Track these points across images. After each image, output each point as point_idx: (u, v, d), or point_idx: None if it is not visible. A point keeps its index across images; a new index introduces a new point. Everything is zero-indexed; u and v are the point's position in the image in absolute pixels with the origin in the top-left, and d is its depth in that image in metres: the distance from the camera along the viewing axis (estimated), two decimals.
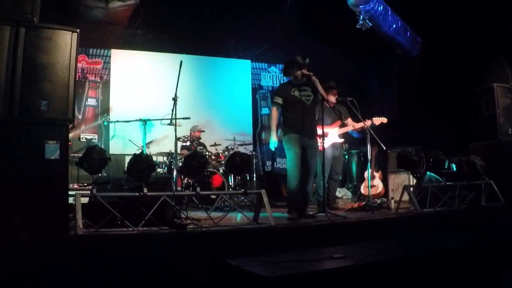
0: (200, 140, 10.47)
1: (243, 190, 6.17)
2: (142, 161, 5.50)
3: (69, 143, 9.76)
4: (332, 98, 8.19)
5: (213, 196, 7.95)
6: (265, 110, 13.43)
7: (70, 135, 9.43)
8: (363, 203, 8.12)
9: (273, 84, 13.67)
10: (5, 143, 4.64)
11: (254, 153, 10.30)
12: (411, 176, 8.42)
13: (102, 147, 7.43)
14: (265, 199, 5.93)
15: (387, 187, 9.56)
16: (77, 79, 5.21)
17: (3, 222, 4.47)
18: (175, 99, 7.20)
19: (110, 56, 11.91)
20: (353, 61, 12.58)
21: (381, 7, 9.45)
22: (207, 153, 9.51)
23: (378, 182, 9.55)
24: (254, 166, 9.79)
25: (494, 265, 5.39)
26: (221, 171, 9.08)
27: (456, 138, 9.43)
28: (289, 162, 6.91)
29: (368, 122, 7.96)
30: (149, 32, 11.81)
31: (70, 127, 5.28)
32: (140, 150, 8.77)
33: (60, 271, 4.31)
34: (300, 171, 6.79)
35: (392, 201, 8.23)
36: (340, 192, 11.16)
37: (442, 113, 10.47)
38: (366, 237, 5.77)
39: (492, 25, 9.45)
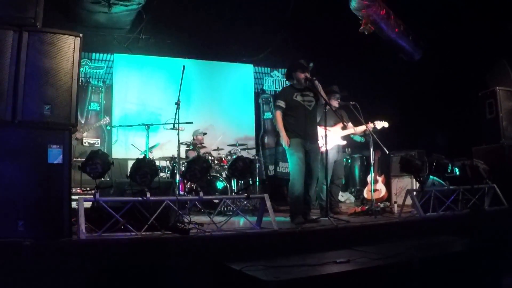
0: (203, 144, 10.46)
1: (246, 194, 6.16)
2: (145, 166, 5.50)
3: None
4: (335, 103, 8.20)
5: (216, 201, 7.93)
6: (267, 115, 13.44)
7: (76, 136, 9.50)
8: (366, 207, 8.10)
9: (275, 88, 13.69)
10: (8, 147, 4.64)
11: (256, 157, 10.29)
12: (414, 180, 8.41)
13: (105, 151, 7.42)
14: (268, 203, 5.92)
15: (390, 191, 9.55)
16: (80, 83, 5.19)
17: (6, 226, 4.47)
18: (177, 104, 7.21)
19: (113, 61, 11.93)
20: (355, 65, 12.56)
21: (383, 11, 9.45)
22: (209, 157, 9.50)
23: (381, 186, 9.53)
24: (257, 171, 9.78)
25: (498, 269, 5.37)
26: (224, 175, 9.07)
27: (459, 142, 9.40)
28: (292, 167, 6.91)
29: (370, 126, 7.95)
30: (152, 37, 11.84)
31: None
32: (143, 155, 8.76)
33: (63, 275, 4.31)
34: (303, 176, 6.79)
35: (395, 205, 8.22)
36: (343, 196, 11.15)
37: (445, 117, 10.46)
38: (369, 241, 5.75)
39: (494, 28, 9.44)
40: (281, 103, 7.06)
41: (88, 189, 8.51)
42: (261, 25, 11.60)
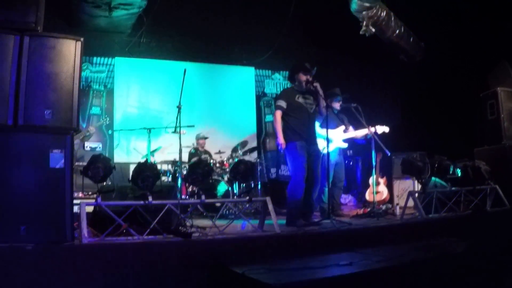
0: (205, 148, 10.48)
1: (248, 197, 6.16)
2: (146, 170, 5.50)
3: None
4: (337, 105, 8.20)
5: (218, 204, 7.94)
6: (269, 117, 13.44)
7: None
8: (368, 209, 8.10)
9: (277, 91, 13.70)
10: (9, 152, 4.64)
11: (258, 160, 10.30)
12: (416, 181, 8.41)
13: (107, 155, 7.43)
14: (270, 206, 5.92)
15: (392, 193, 9.55)
16: (81, 87, 5.20)
17: (8, 231, 4.47)
18: (179, 107, 7.21)
19: (114, 65, 11.95)
20: (356, 67, 12.56)
21: (384, 13, 9.45)
22: (211, 161, 9.51)
23: (383, 188, 9.53)
24: (259, 174, 9.78)
25: (500, 270, 5.36)
26: (225, 178, 9.07)
27: (461, 143, 9.39)
28: (294, 171, 6.85)
29: (372, 129, 7.95)
30: (153, 40, 11.86)
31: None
32: (145, 159, 8.77)
33: (66, 280, 4.31)
34: (305, 181, 6.78)
35: (397, 207, 8.21)
36: (345, 199, 11.14)
37: (447, 118, 10.46)
38: (371, 243, 5.74)
39: (495, 28, 9.44)
40: (282, 103, 7.00)
41: (90, 193, 8.52)
42: (262, 28, 11.60)
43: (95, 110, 11.70)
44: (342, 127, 8.21)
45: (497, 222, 7.13)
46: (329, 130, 7.11)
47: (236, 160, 8.22)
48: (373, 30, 9.36)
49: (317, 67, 7.16)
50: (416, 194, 7.13)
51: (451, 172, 7.57)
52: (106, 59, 11.93)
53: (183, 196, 8.08)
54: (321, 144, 7.72)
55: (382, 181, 9.65)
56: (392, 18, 9.80)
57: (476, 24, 9.66)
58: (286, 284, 3.82)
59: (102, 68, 11.92)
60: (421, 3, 9.99)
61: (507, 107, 8.57)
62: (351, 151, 10.49)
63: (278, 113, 6.98)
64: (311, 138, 7.03)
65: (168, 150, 10.62)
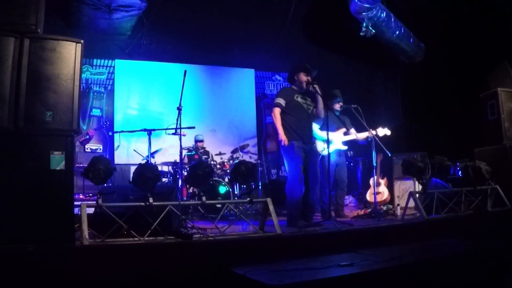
0: (206, 149, 10.49)
1: (248, 199, 6.16)
2: (147, 171, 5.50)
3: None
4: (337, 106, 8.20)
5: (219, 205, 7.94)
6: (269, 119, 13.42)
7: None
8: (369, 210, 8.11)
9: (277, 92, 13.68)
10: (10, 154, 4.64)
11: (259, 161, 10.30)
12: (416, 182, 8.40)
13: (107, 157, 7.43)
14: (271, 207, 5.91)
15: (392, 193, 9.54)
16: (82, 89, 5.20)
17: (9, 233, 4.47)
18: (179, 109, 7.21)
19: (114, 67, 11.97)
20: (357, 68, 12.57)
21: (384, 14, 9.46)
22: (212, 162, 9.51)
23: (383, 189, 9.53)
24: (259, 175, 9.79)
25: (501, 270, 5.36)
26: (226, 180, 9.07)
27: (461, 144, 9.38)
28: (291, 171, 6.86)
29: (373, 132, 7.95)
30: (153, 42, 11.85)
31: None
32: (145, 160, 8.77)
33: (67, 281, 4.31)
34: (303, 181, 6.78)
35: (398, 208, 8.21)
36: (346, 200, 11.13)
37: (447, 119, 10.45)
38: (372, 244, 5.74)
39: (495, 29, 9.44)
40: (281, 101, 7.00)
41: (90, 195, 8.52)
42: (262, 29, 11.61)
43: (96, 112, 11.71)
44: (343, 130, 8.22)
45: (498, 222, 7.12)
46: (330, 133, 7.12)
47: (236, 161, 8.22)
48: (373, 31, 9.37)
49: (317, 70, 7.18)
50: (417, 195, 7.12)
51: (451, 173, 7.57)
52: (106, 61, 11.96)
53: (183, 198, 8.07)
54: (320, 146, 7.74)
55: (382, 181, 9.65)
56: (392, 19, 9.81)
57: (476, 24, 9.66)
58: (287, 285, 3.82)
59: (102, 70, 11.94)
60: (421, 4, 10.00)
61: (507, 107, 8.56)
62: (351, 152, 10.47)
63: (277, 110, 6.98)
64: (308, 137, 7.05)
65: (168, 152, 10.63)
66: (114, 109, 11.87)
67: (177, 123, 7.21)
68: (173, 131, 7.93)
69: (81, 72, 5.06)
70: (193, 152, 9.89)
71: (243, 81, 13.47)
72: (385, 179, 9.70)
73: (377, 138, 7.78)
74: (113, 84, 11.95)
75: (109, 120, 11.43)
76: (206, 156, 9.97)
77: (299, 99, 7.03)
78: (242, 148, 10.15)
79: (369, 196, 9.65)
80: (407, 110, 11.68)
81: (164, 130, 9.19)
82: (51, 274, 4.28)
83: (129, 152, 11.41)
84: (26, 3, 4.92)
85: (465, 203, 7.42)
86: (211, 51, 12.42)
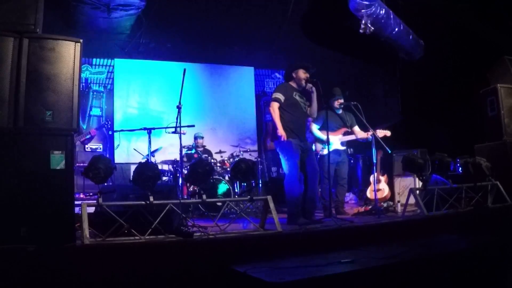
0: (206, 147, 10.49)
1: (249, 196, 6.16)
2: (147, 170, 5.51)
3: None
4: (336, 104, 8.20)
5: (219, 203, 7.94)
6: (269, 117, 13.42)
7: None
8: (369, 207, 8.11)
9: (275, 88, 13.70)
10: (10, 153, 4.65)
11: (259, 159, 10.30)
12: (417, 179, 8.40)
13: (107, 156, 7.43)
14: (271, 205, 5.91)
15: (393, 190, 9.54)
16: (81, 89, 5.20)
17: (10, 232, 4.48)
18: (179, 107, 7.20)
19: (113, 66, 11.98)
20: (356, 65, 12.57)
21: (383, 11, 9.45)
22: (212, 160, 9.51)
23: (384, 186, 9.52)
24: (260, 173, 9.79)
25: (502, 266, 5.37)
26: (226, 178, 9.07)
27: (461, 140, 9.38)
28: (289, 170, 6.83)
29: (372, 132, 7.95)
30: (152, 41, 11.85)
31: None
32: (145, 159, 8.77)
33: (67, 281, 4.31)
34: (300, 178, 6.79)
35: (399, 205, 8.21)
36: (346, 197, 11.14)
37: (447, 115, 10.45)
38: (373, 241, 5.75)
39: (495, 25, 9.44)
40: (280, 96, 6.95)
41: (91, 194, 8.52)
42: (262, 27, 11.60)
43: (95, 111, 11.72)
44: (343, 130, 8.21)
45: (498, 219, 7.13)
46: (329, 133, 7.14)
47: (236, 159, 8.22)
48: (372, 28, 9.36)
49: (313, 65, 7.18)
50: (417, 191, 7.13)
51: (452, 169, 7.57)
52: (105, 60, 11.97)
53: (184, 196, 8.07)
54: (318, 146, 7.79)
55: (383, 178, 9.64)
56: (391, 16, 9.80)
57: (475, 21, 9.66)
58: (288, 282, 3.82)
59: (102, 69, 11.94)
60: (420, 0, 10.00)
61: (507, 103, 8.55)
62: (351, 150, 10.47)
63: (276, 105, 6.92)
64: (304, 136, 7.10)
65: (168, 150, 10.63)
66: (114, 108, 11.87)
67: (177, 122, 7.20)
68: (173, 129, 7.92)
69: (80, 71, 5.07)
70: (193, 151, 9.88)
71: (242, 79, 13.47)
72: (385, 176, 9.70)
73: (377, 135, 7.78)
74: (112, 83, 11.96)
75: (109, 119, 11.43)
76: (206, 155, 9.96)
77: (297, 97, 7.02)
78: (243, 148, 10.17)
79: (369, 193, 9.65)
80: (407, 107, 11.69)
81: (164, 129, 9.19)
82: (52, 273, 4.29)
83: (129, 151, 11.42)
84: (25, 3, 4.92)
85: (466, 200, 7.42)
86: (211, 49, 12.41)
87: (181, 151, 7.37)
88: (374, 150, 7.91)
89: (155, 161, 8.79)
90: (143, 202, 5.27)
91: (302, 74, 7.05)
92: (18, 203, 4.56)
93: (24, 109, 4.72)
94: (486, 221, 6.96)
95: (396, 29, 10.04)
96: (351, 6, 9.11)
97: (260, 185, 9.79)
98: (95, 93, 11.78)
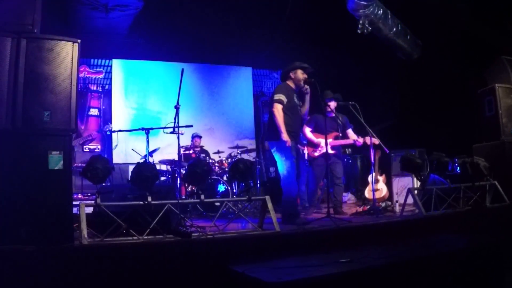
0: (203, 147, 10.49)
1: (247, 197, 6.17)
2: (145, 170, 5.51)
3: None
4: (327, 108, 8.20)
5: (217, 204, 7.94)
6: (267, 117, 13.45)
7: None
8: (368, 207, 8.10)
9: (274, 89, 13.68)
10: (8, 154, 4.65)
11: (257, 159, 10.30)
12: (415, 178, 8.42)
13: (105, 156, 7.42)
14: (270, 205, 5.92)
15: (391, 190, 9.54)
16: (79, 89, 5.20)
17: (8, 233, 4.48)
18: (177, 108, 7.19)
19: (111, 66, 11.96)
20: (354, 65, 12.56)
21: (381, 11, 9.45)
22: (210, 160, 9.51)
23: (382, 186, 9.52)
24: (258, 173, 9.79)
25: (500, 266, 5.37)
26: (224, 178, 9.07)
27: (459, 140, 9.39)
28: (288, 170, 6.83)
29: (361, 139, 8.01)
30: (150, 41, 11.84)
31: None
32: (143, 159, 8.77)
33: (66, 281, 4.31)
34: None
35: (397, 204, 8.21)
36: (344, 197, 11.14)
37: (445, 115, 10.45)
38: (371, 241, 5.75)
39: (493, 25, 9.44)
40: (283, 98, 6.89)
41: (89, 194, 8.51)
42: (259, 27, 11.59)
43: (93, 111, 11.71)
44: (334, 134, 8.22)
45: (496, 218, 7.14)
46: (319, 136, 7.16)
47: (234, 159, 8.22)
48: (370, 28, 9.37)
49: (310, 65, 7.19)
50: (416, 191, 7.14)
51: (450, 169, 7.58)
52: (103, 60, 11.95)
53: (182, 196, 8.07)
54: (309, 149, 7.86)
55: (381, 178, 9.64)
56: (389, 16, 9.81)
57: (473, 20, 9.67)
58: (286, 282, 3.82)
59: (100, 69, 11.93)
60: (418, 0, 9.99)
61: (505, 103, 8.56)
62: (350, 149, 10.48)
63: (280, 107, 6.85)
64: (299, 138, 7.22)
65: (166, 151, 10.62)
66: (112, 109, 11.86)
67: (175, 122, 7.19)
68: (171, 129, 7.91)
69: (78, 71, 5.07)
70: (191, 151, 9.88)
71: (240, 79, 13.46)
72: (384, 175, 9.70)
73: (374, 135, 7.78)
74: (110, 84, 11.95)
75: (107, 120, 11.42)
76: (204, 155, 9.96)
77: (296, 100, 7.03)
78: (241, 148, 10.17)
79: (367, 193, 9.65)
80: (405, 107, 11.69)
81: (162, 129, 9.18)
82: (50, 273, 4.29)
83: (127, 151, 11.39)
84: (23, 3, 4.92)
85: (464, 199, 7.44)
86: (209, 50, 12.40)
87: (179, 151, 7.36)
88: (372, 150, 7.91)
89: (153, 161, 8.79)
90: (141, 202, 5.28)
91: (300, 74, 7.05)
92: (17, 204, 4.56)
93: (22, 109, 4.72)
94: (484, 220, 6.97)
95: (394, 29, 10.05)
96: (349, 6, 9.12)
97: (258, 185, 9.79)
98: (93, 93, 11.77)
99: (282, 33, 11.62)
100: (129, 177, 5.57)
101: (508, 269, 5.41)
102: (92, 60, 11.85)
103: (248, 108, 13.41)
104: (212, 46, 12.27)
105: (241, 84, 13.41)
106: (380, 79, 12.54)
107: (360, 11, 9.09)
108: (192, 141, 10.39)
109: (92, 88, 11.79)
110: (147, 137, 8.38)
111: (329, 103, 8.02)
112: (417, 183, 8.07)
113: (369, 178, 9.09)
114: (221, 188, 8.89)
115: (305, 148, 8.26)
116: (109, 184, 8.37)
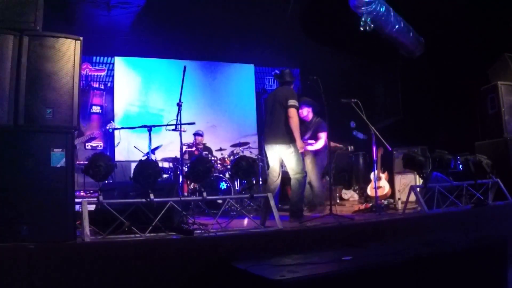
0: (206, 145, 10.48)
1: (249, 194, 6.16)
2: (148, 167, 5.51)
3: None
4: (301, 115, 8.25)
5: (220, 201, 7.93)
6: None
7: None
8: (370, 204, 8.10)
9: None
10: (11, 151, 4.65)
11: (259, 156, 10.30)
12: (417, 176, 8.41)
13: (108, 154, 7.42)
14: (272, 202, 5.92)
15: (393, 188, 9.53)
16: (81, 86, 5.20)
17: (10, 230, 4.48)
18: (179, 105, 7.19)
19: (113, 63, 11.97)
20: (356, 62, 12.56)
21: (383, 8, 9.44)
22: (212, 158, 9.51)
23: (384, 183, 9.52)
24: (260, 170, 9.79)
25: (502, 264, 5.36)
26: (227, 175, 9.07)
27: (462, 137, 9.38)
28: (303, 167, 7.07)
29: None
30: (152, 39, 11.83)
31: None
32: (146, 157, 8.77)
33: (68, 279, 4.31)
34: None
35: (399, 202, 8.22)
36: (347, 194, 11.14)
37: (447, 113, 10.45)
38: (373, 238, 5.75)
39: (495, 22, 9.42)
40: (297, 104, 7.12)
41: (91, 192, 8.52)
42: (262, 24, 11.58)
43: (96, 109, 11.72)
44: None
45: (499, 216, 7.13)
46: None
47: (237, 156, 8.22)
48: (372, 25, 9.35)
49: (312, 61, 7.29)
50: (418, 189, 7.13)
51: (452, 166, 7.56)
52: (105, 58, 11.95)
53: (184, 194, 8.07)
54: None
55: (383, 176, 9.64)
56: (392, 13, 9.79)
57: (476, 18, 9.64)
58: (289, 279, 3.82)
59: (102, 67, 11.93)
60: None
61: (507, 101, 8.55)
62: (352, 147, 10.46)
63: (296, 113, 7.07)
64: None
65: (169, 148, 10.62)
66: (114, 106, 11.86)
67: (177, 119, 7.20)
68: (173, 127, 7.90)
69: (80, 69, 5.07)
70: (193, 148, 9.88)
71: (243, 77, 13.47)
72: (386, 173, 9.70)
73: (377, 132, 7.77)
74: (112, 81, 11.95)
75: (110, 118, 11.42)
76: (206, 152, 9.96)
77: None
78: (243, 145, 10.17)
79: (370, 191, 9.65)
80: (407, 104, 11.68)
81: (164, 126, 9.18)
82: (53, 271, 4.29)
83: (129, 149, 11.40)
84: (25, 1, 4.91)
85: (466, 197, 7.43)
86: (211, 47, 12.40)
87: (181, 148, 7.36)
88: (374, 148, 7.91)
89: (155, 159, 8.78)
90: (144, 200, 5.28)
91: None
92: (19, 201, 4.56)
93: (24, 107, 4.72)
94: (487, 218, 6.97)
95: (397, 26, 10.03)
96: (351, 3, 9.11)
97: (261, 182, 9.78)
98: (95, 91, 11.77)
99: (285, 30, 11.60)
100: (132, 174, 5.56)
101: (510, 267, 5.40)
102: (94, 57, 11.86)
103: (250, 106, 13.40)
104: (215, 43, 12.28)
105: (243, 81, 13.41)
106: (382, 77, 12.53)
107: (362, 8, 9.08)
108: (194, 138, 10.39)
109: (94, 85, 11.80)
110: (150, 135, 8.38)
111: (302, 109, 8.28)
112: (419, 181, 8.05)
113: (372, 176, 9.08)
114: (223, 185, 8.89)
115: None
116: (111, 181, 8.37)
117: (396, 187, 9.49)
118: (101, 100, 11.82)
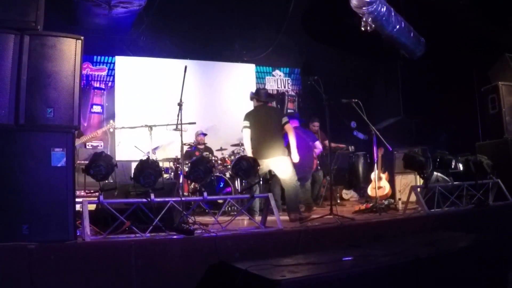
0: (207, 145, 10.48)
1: (250, 194, 6.16)
2: (148, 167, 5.50)
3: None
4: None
5: (220, 201, 7.93)
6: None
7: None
8: (371, 204, 8.09)
9: (277, 87, 13.66)
10: (11, 151, 4.64)
11: None
12: (418, 176, 8.40)
13: (108, 153, 7.41)
14: (273, 202, 5.92)
15: (394, 188, 9.53)
16: (82, 86, 5.19)
17: (11, 230, 4.48)
18: (180, 105, 7.18)
19: (114, 63, 11.95)
20: (357, 62, 12.56)
21: (384, 8, 9.44)
22: (213, 158, 9.50)
23: (385, 184, 9.51)
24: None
25: (503, 264, 5.36)
26: (227, 175, 9.06)
27: (462, 138, 9.39)
28: (295, 176, 7.32)
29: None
30: (153, 38, 11.83)
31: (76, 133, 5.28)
32: (146, 156, 8.76)
33: (69, 278, 4.31)
34: None
35: (400, 202, 8.21)
36: (347, 194, 11.14)
37: (448, 113, 10.45)
38: (374, 238, 5.75)
39: (496, 23, 9.43)
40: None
41: (92, 191, 8.51)
42: (262, 24, 11.60)
43: (96, 108, 11.71)
44: None
45: (499, 216, 7.13)
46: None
47: (237, 156, 8.22)
48: (373, 25, 9.36)
49: (312, 62, 7.32)
50: (418, 189, 7.13)
51: (453, 167, 7.56)
52: (106, 57, 11.93)
53: (185, 193, 8.07)
54: None
55: (384, 176, 9.64)
56: (392, 14, 9.79)
57: (476, 18, 9.65)
58: (289, 280, 3.81)
59: (103, 66, 11.92)
60: None
61: (508, 101, 8.55)
62: (353, 147, 10.46)
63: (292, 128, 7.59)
64: None
65: (169, 148, 10.62)
66: (115, 106, 11.85)
67: (178, 119, 7.19)
68: (174, 127, 7.90)
69: (81, 68, 5.06)
70: (194, 148, 9.88)
71: (243, 76, 13.43)
72: (387, 173, 9.69)
73: (378, 133, 7.77)
74: (113, 81, 11.93)
75: (110, 117, 11.41)
76: (207, 152, 9.95)
77: None
78: (243, 145, 10.15)
79: (370, 191, 9.64)
80: (408, 105, 11.69)
81: (165, 126, 9.17)
82: (53, 271, 4.29)
83: (130, 149, 11.39)
84: (26, 1, 4.91)
85: (467, 197, 7.43)
86: (212, 47, 12.40)
87: (182, 148, 7.36)
88: (375, 148, 7.91)
89: (156, 159, 8.78)
90: (144, 200, 5.28)
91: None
92: (20, 201, 4.56)
93: (25, 106, 4.72)
94: (487, 219, 6.97)
95: (397, 27, 10.03)
96: (352, 4, 9.11)
97: (261, 182, 9.77)
98: (96, 90, 11.76)
99: (285, 30, 11.61)
100: (132, 174, 5.56)
101: (511, 268, 5.40)
102: (95, 57, 11.83)
103: (251, 105, 13.35)
104: (215, 43, 12.27)
105: (244, 81, 13.37)
106: (383, 77, 12.53)
107: (363, 8, 9.08)
108: (196, 138, 10.38)
109: (95, 85, 11.77)
110: (150, 134, 8.38)
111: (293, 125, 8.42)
112: (420, 181, 8.05)
113: (372, 176, 9.08)
114: (224, 185, 8.88)
115: None
116: (112, 181, 8.36)
117: (396, 187, 9.49)
118: (102, 99, 11.81)
